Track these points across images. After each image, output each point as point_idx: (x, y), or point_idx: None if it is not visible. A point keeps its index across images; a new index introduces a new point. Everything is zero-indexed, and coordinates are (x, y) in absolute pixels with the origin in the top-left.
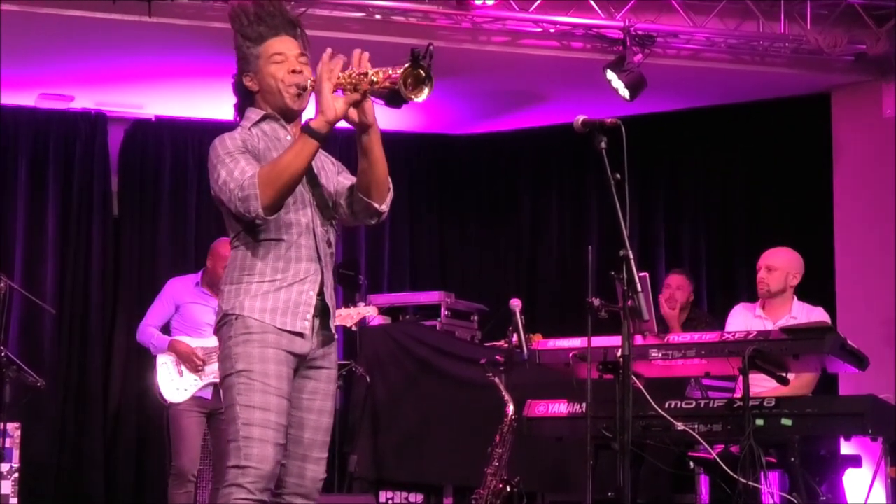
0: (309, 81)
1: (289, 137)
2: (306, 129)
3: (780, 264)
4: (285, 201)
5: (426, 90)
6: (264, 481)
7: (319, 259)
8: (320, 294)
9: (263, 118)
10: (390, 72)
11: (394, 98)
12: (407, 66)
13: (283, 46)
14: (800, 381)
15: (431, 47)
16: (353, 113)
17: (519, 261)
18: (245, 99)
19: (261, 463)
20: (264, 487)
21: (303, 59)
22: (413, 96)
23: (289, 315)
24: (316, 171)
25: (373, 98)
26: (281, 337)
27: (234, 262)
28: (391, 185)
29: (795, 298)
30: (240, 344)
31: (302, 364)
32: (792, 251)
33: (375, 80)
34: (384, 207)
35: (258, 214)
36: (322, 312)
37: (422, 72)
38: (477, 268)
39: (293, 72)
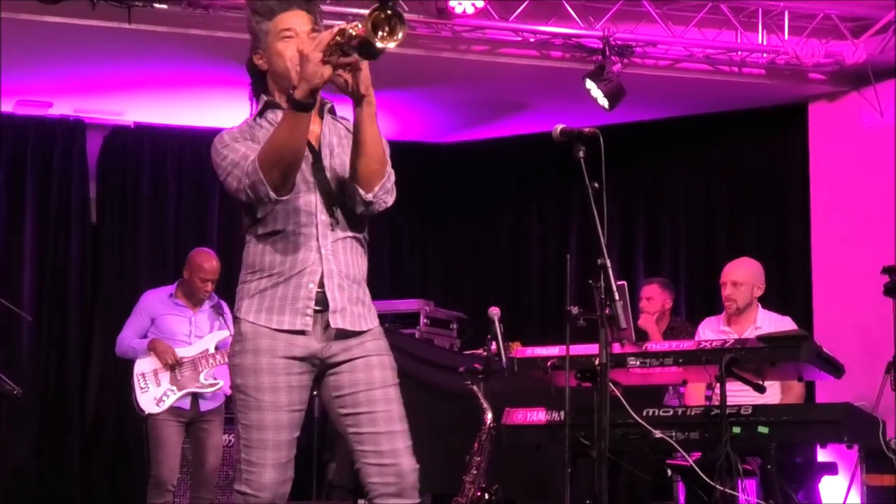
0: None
1: None
2: (291, 102)
3: (745, 278)
4: (296, 179)
5: (400, 32)
6: None
7: (320, 248)
8: (321, 286)
9: (266, 107)
10: (360, 26)
11: (368, 49)
12: (375, 11)
13: (293, 21)
14: (793, 393)
15: None
16: (344, 77)
17: (500, 269)
18: (258, 80)
19: (259, 491)
20: None
21: (314, 34)
22: (386, 42)
23: (286, 313)
24: (321, 149)
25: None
26: (276, 341)
27: (244, 258)
28: (388, 174)
29: (760, 307)
30: (235, 354)
31: (322, 365)
32: (753, 262)
33: (353, 32)
34: (370, 197)
35: (271, 197)
36: (323, 305)
37: (390, 11)
38: (458, 276)
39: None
